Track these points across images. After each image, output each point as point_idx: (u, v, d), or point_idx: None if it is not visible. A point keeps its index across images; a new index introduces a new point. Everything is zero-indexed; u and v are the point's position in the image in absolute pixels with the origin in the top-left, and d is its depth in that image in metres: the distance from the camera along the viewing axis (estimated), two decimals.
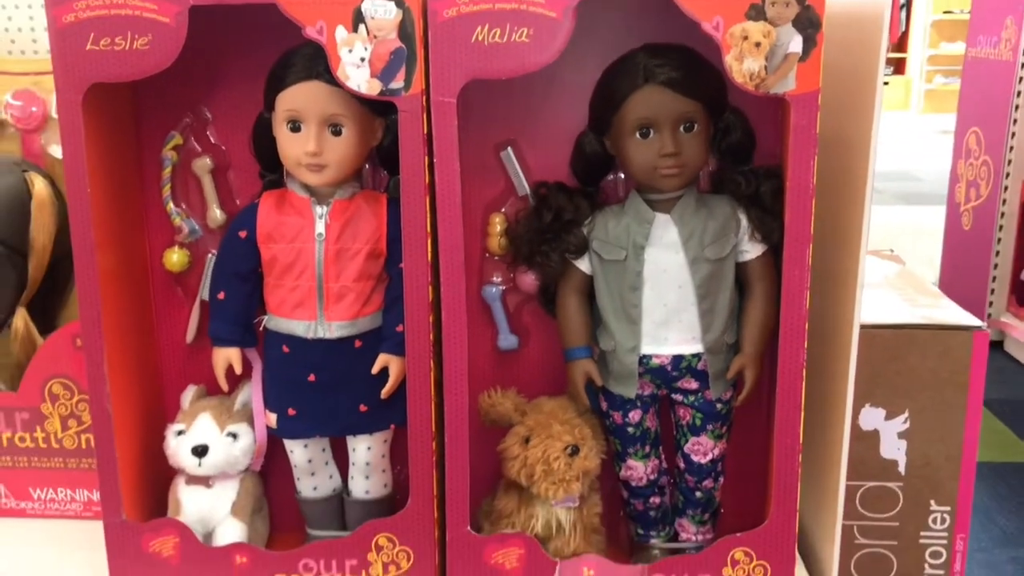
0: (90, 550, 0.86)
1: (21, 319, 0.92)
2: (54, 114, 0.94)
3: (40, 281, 0.92)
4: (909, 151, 5.61)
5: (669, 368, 0.75)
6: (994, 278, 2.68)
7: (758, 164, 0.76)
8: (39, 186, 0.91)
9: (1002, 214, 2.61)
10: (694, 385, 0.76)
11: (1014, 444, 2.53)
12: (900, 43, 7.06)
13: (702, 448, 0.78)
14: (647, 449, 0.79)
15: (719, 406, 0.77)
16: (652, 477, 0.80)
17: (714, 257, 0.73)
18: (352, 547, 0.77)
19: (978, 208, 2.77)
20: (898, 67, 7.09)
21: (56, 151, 0.95)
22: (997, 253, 2.66)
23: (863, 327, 0.76)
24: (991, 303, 2.74)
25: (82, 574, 0.83)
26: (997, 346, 2.83)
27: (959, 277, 2.79)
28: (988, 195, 2.70)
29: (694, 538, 0.81)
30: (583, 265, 0.76)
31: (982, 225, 2.72)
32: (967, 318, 0.83)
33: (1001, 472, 2.44)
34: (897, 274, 0.98)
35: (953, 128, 2.81)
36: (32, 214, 0.90)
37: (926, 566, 0.86)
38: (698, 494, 0.80)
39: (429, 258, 0.72)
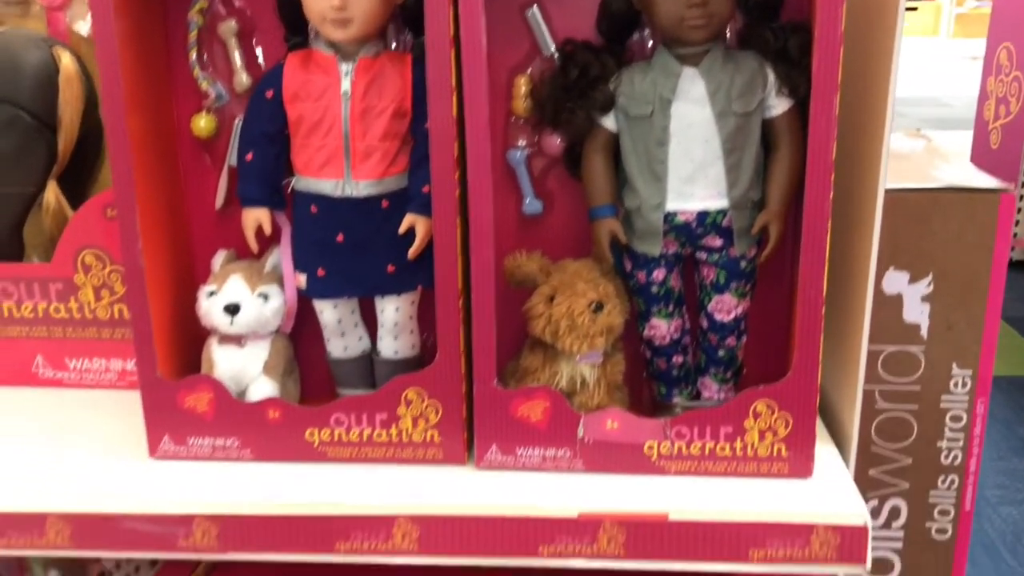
0: (127, 416, 0.89)
1: (52, 193, 0.93)
2: None
3: (69, 156, 0.93)
4: (937, 77, 5.50)
5: (694, 225, 0.75)
6: (1021, 197, 2.65)
7: (785, 20, 0.75)
8: (66, 61, 0.91)
9: None
10: (718, 243, 0.76)
11: None
12: None
13: (725, 306, 0.79)
14: (671, 308, 0.80)
15: (743, 264, 0.77)
16: (675, 336, 0.81)
17: (741, 111, 0.73)
18: (382, 401, 0.78)
19: (1007, 125, 2.71)
20: None
21: (82, 28, 0.95)
22: None
23: (888, 191, 0.76)
24: (1017, 222, 2.71)
25: (120, 436, 0.85)
26: (1020, 266, 2.81)
27: None
28: (1018, 111, 2.64)
29: (716, 396, 0.82)
30: (608, 123, 0.76)
31: (1011, 143, 2.67)
32: (992, 181, 0.83)
33: (1021, 385, 2.46)
34: (924, 148, 0.97)
35: (984, 53, 2.74)
36: (60, 88, 0.91)
37: (946, 430, 0.86)
38: (721, 353, 0.81)
39: (454, 112, 0.72)
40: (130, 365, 0.95)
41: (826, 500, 0.74)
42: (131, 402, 0.92)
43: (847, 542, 0.72)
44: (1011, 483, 2.21)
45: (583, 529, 0.73)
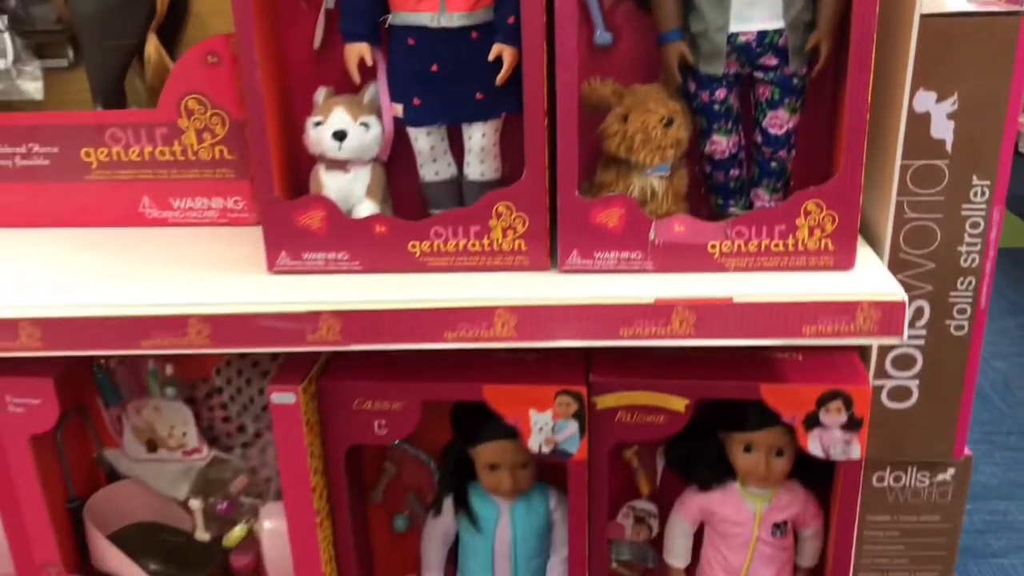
0: (235, 245, 0.99)
1: (152, 46, 1.01)
2: None
3: (166, 10, 1.01)
4: None
5: (754, 44, 0.85)
6: None
7: None
8: None
9: None
10: (774, 62, 0.86)
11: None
12: None
13: (779, 121, 0.89)
14: (729, 125, 0.90)
15: (795, 81, 0.87)
16: (733, 151, 0.91)
17: None
18: (475, 215, 0.89)
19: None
20: None
21: None
22: None
23: (921, 16, 0.86)
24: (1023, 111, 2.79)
25: (235, 259, 0.95)
26: None
27: None
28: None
29: (767, 205, 0.93)
30: None
31: None
32: (1013, 6, 0.93)
33: (1014, 255, 2.62)
34: None
35: None
36: None
37: (965, 235, 0.98)
38: (773, 164, 0.91)
39: None
40: (231, 203, 1.05)
41: (867, 284, 0.86)
42: (235, 235, 1.03)
43: (887, 316, 0.84)
44: (1000, 340, 2.38)
45: (658, 313, 0.85)
